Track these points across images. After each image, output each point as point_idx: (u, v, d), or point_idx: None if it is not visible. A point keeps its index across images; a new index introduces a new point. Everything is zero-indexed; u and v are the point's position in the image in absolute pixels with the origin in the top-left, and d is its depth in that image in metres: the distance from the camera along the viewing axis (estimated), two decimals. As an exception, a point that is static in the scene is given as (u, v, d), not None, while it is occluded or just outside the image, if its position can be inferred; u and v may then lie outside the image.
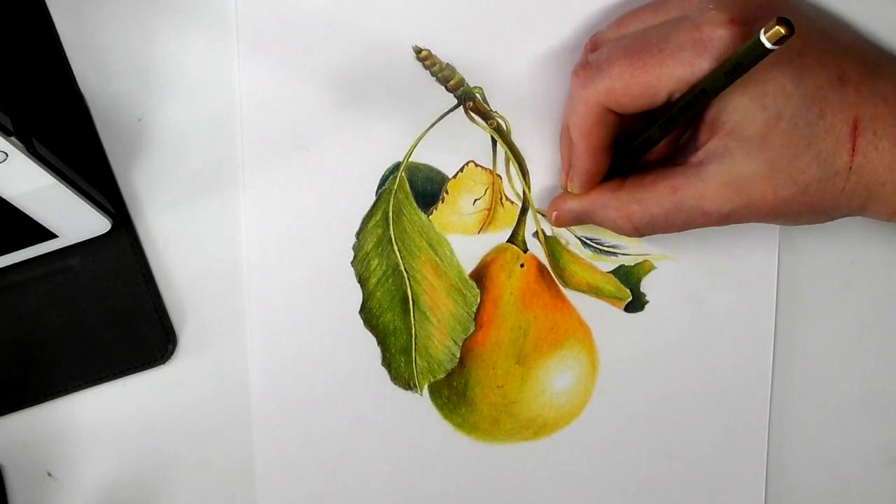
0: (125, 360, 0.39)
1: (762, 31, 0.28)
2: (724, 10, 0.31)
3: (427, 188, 0.39)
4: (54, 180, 0.33)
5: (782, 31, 0.27)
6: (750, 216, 0.33)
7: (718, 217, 0.33)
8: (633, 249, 0.40)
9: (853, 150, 0.32)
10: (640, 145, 0.35)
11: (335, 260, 0.39)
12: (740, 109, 0.32)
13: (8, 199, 0.33)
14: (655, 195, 0.34)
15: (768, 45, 0.28)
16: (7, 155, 0.31)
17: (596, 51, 0.35)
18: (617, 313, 0.40)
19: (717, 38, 0.31)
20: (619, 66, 0.32)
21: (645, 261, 0.40)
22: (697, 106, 0.32)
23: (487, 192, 0.39)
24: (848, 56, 0.33)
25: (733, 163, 0.32)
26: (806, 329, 0.41)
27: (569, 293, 0.40)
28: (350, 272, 0.39)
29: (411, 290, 0.39)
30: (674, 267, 0.40)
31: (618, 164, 0.36)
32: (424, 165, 0.39)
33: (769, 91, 0.31)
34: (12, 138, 0.31)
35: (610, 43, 0.35)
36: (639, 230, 0.35)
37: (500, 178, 0.39)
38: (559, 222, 0.38)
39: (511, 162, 0.39)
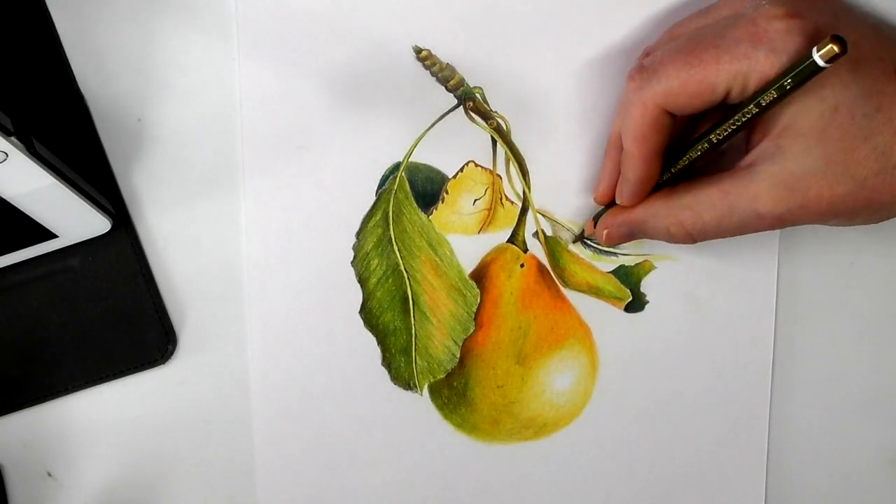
0: (125, 360, 0.39)
1: (815, 49, 0.28)
2: (778, 5, 0.31)
3: (427, 188, 0.39)
4: (54, 180, 0.33)
5: (836, 49, 0.28)
6: (805, 216, 0.32)
7: (772, 219, 0.33)
8: (633, 249, 0.40)
9: None
10: (692, 156, 0.34)
11: (335, 260, 0.39)
12: (795, 102, 0.31)
13: (8, 199, 0.33)
14: (707, 200, 0.33)
15: (821, 63, 0.28)
16: (7, 155, 0.31)
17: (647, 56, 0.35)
18: (617, 313, 0.40)
19: (773, 31, 0.31)
20: (675, 66, 0.32)
21: (645, 261, 0.40)
22: (748, 121, 0.32)
23: (487, 192, 0.39)
24: None
25: (786, 161, 0.32)
26: (806, 329, 0.41)
27: (569, 293, 0.40)
28: (350, 272, 0.39)
29: (411, 290, 0.39)
30: (674, 267, 0.40)
31: (665, 174, 0.36)
32: (424, 165, 0.39)
33: (827, 82, 0.31)
34: (12, 138, 0.31)
35: (662, 47, 0.34)
36: (692, 237, 0.34)
37: (500, 178, 0.39)
38: (611, 241, 0.37)
39: (511, 162, 0.39)
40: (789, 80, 0.30)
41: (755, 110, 0.31)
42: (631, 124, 0.33)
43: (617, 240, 0.37)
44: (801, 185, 0.32)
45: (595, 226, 0.38)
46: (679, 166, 0.35)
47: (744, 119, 0.32)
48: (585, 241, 0.40)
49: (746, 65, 0.31)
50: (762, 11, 0.31)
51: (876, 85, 0.31)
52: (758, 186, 0.32)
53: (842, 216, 0.33)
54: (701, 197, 0.34)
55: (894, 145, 0.31)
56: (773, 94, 0.30)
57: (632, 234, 0.37)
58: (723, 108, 0.33)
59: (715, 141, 0.33)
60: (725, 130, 0.32)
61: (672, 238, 0.35)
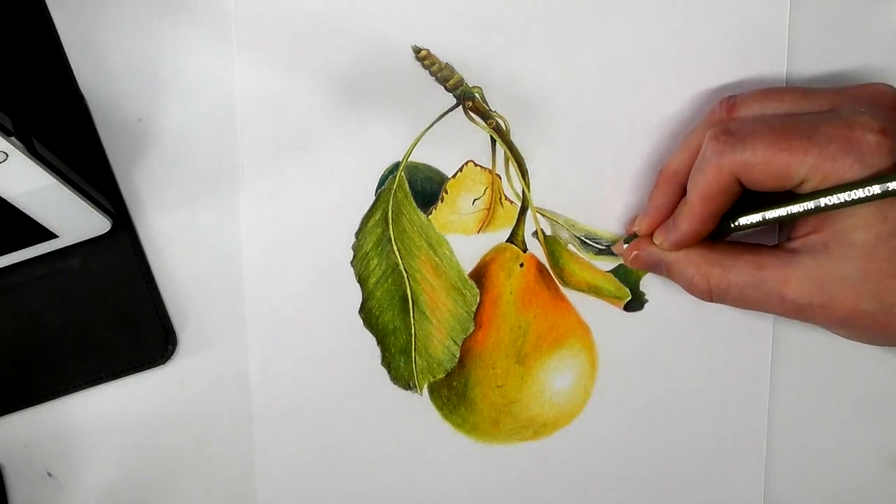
0: (125, 360, 0.39)
1: None
2: (876, 119, 0.32)
3: (426, 188, 0.39)
4: (54, 180, 0.33)
5: None
6: (822, 317, 0.33)
7: (793, 307, 0.33)
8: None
9: None
10: (744, 225, 0.35)
11: (335, 260, 0.39)
12: (859, 215, 0.32)
13: (8, 199, 0.33)
14: (741, 265, 0.34)
15: None
16: (7, 155, 0.31)
17: (731, 114, 0.35)
18: (616, 313, 0.40)
19: (865, 143, 0.31)
20: (763, 142, 0.32)
21: (644, 260, 0.40)
22: (807, 213, 0.32)
23: (487, 191, 0.39)
24: None
25: (828, 261, 0.32)
26: (805, 329, 0.41)
27: (568, 293, 0.40)
28: (349, 272, 0.39)
29: (411, 289, 0.39)
30: (673, 266, 0.40)
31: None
32: (424, 165, 0.39)
33: (895, 205, 0.31)
34: (12, 138, 0.31)
35: (751, 110, 0.35)
36: (712, 294, 0.35)
37: (500, 178, 0.39)
38: (636, 264, 0.38)
39: (510, 161, 0.39)
40: (867, 195, 0.30)
41: (819, 207, 0.32)
42: (702, 181, 0.34)
43: (642, 266, 0.38)
44: (832, 287, 0.32)
45: (624, 245, 0.38)
46: (730, 231, 0.35)
47: (804, 212, 0.32)
48: (585, 240, 0.40)
49: (831, 166, 0.31)
50: (859, 119, 0.32)
51: None
52: (793, 272, 0.33)
53: (856, 329, 0.33)
54: (737, 261, 0.34)
55: None
56: (845, 200, 0.31)
57: (657, 268, 0.37)
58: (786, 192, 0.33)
59: (769, 219, 0.34)
60: (784, 216, 0.33)
61: (692, 287, 0.36)
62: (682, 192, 0.36)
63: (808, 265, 0.33)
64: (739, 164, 0.32)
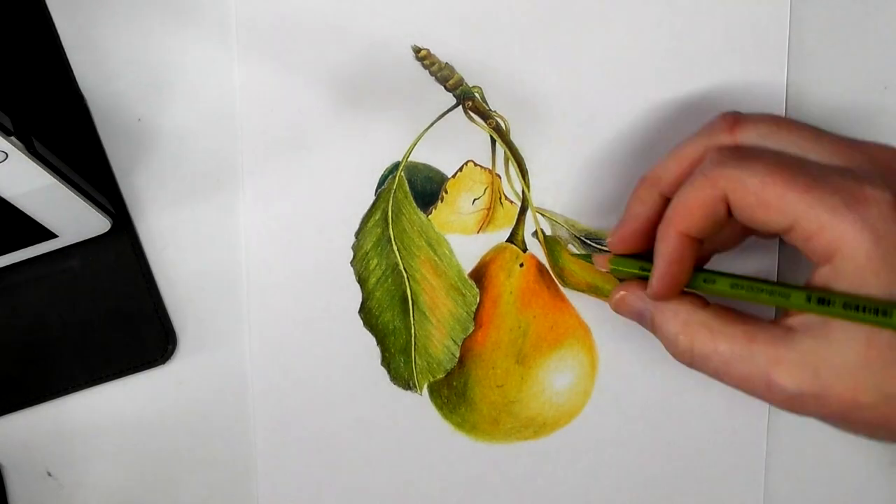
0: (125, 360, 0.39)
1: None
2: (888, 191, 0.28)
3: (426, 188, 0.39)
4: (54, 180, 0.33)
5: None
6: (813, 409, 0.29)
7: (780, 394, 0.30)
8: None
9: None
10: (735, 293, 0.32)
11: (334, 260, 0.39)
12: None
13: (8, 199, 0.33)
14: (730, 332, 0.31)
15: None
16: (7, 155, 0.31)
17: (734, 130, 0.32)
18: (616, 313, 0.40)
19: (873, 206, 0.28)
20: (765, 166, 0.29)
21: (644, 260, 0.40)
22: (800, 307, 0.30)
23: (487, 191, 0.39)
24: None
25: (826, 345, 0.29)
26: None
27: (568, 293, 0.40)
28: (349, 272, 0.39)
29: (411, 289, 0.39)
30: (673, 266, 0.40)
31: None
32: (424, 165, 0.39)
33: None
34: (12, 138, 0.31)
35: (756, 132, 0.32)
36: (693, 358, 0.32)
37: (500, 178, 0.39)
38: (621, 308, 0.35)
39: (510, 161, 0.39)
40: (862, 317, 0.28)
41: (814, 308, 0.29)
42: (690, 191, 0.31)
43: (627, 313, 0.35)
44: (828, 376, 0.29)
45: (606, 260, 0.36)
46: (714, 291, 0.33)
47: (798, 306, 0.30)
48: (585, 240, 0.40)
49: (827, 217, 0.28)
50: (874, 182, 0.28)
51: None
52: (786, 352, 0.29)
53: (853, 425, 0.30)
54: (728, 327, 0.31)
55: None
56: (838, 313, 0.28)
57: (641, 318, 0.34)
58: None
59: (744, 286, 0.32)
60: (775, 299, 0.31)
61: (674, 347, 0.32)
62: (663, 204, 0.33)
63: (804, 347, 0.29)
64: (734, 180, 0.30)
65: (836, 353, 0.29)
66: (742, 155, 0.30)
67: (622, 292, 0.35)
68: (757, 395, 0.30)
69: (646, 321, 0.34)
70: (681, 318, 0.32)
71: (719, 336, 0.31)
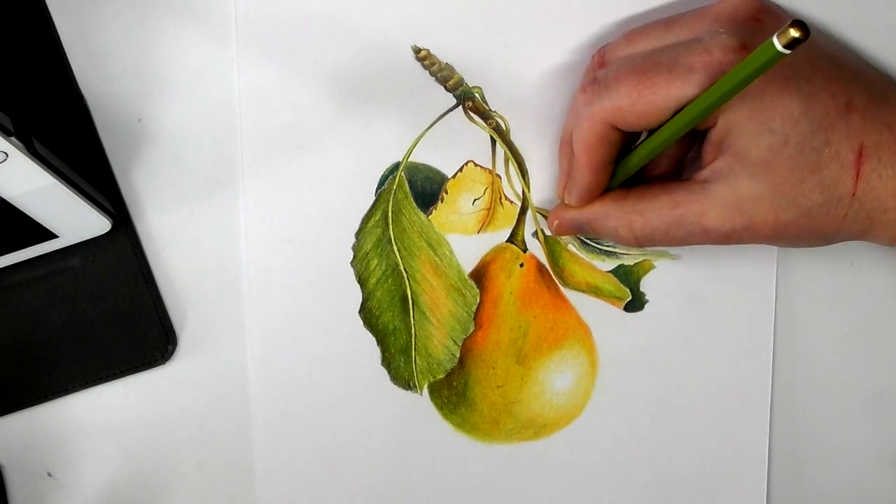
0: (125, 360, 0.39)
1: (775, 34, 0.27)
2: (734, 36, 0.31)
3: (426, 188, 0.39)
4: (54, 180, 0.33)
5: (796, 34, 0.26)
6: (750, 237, 0.34)
7: (718, 235, 0.34)
8: (632, 249, 0.40)
9: (857, 177, 0.32)
10: (639, 162, 0.35)
11: (335, 260, 0.39)
12: (747, 133, 0.32)
13: (8, 199, 0.33)
14: (658, 208, 0.34)
15: (780, 48, 0.27)
16: (7, 155, 0.31)
17: (603, 65, 0.35)
18: (616, 313, 0.40)
19: (727, 63, 0.31)
20: (627, 85, 0.32)
21: (644, 260, 0.40)
22: (701, 118, 0.31)
23: (487, 191, 0.39)
24: (856, 83, 0.33)
25: (737, 184, 0.33)
26: (806, 329, 0.41)
27: (568, 293, 0.40)
28: (349, 272, 0.39)
29: (411, 289, 0.39)
30: (673, 266, 0.40)
31: (619, 175, 0.36)
32: (424, 165, 0.39)
33: (777, 116, 0.31)
34: (12, 138, 0.31)
35: (618, 59, 0.35)
36: (639, 241, 0.35)
37: (500, 178, 0.39)
38: (560, 231, 0.38)
39: (510, 161, 0.39)
40: (747, 69, 0.29)
41: (705, 105, 0.31)
42: (580, 135, 0.34)
43: (565, 232, 0.38)
44: (749, 209, 0.33)
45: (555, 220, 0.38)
46: (629, 172, 0.35)
47: (692, 116, 0.31)
48: (585, 240, 0.40)
49: (696, 93, 0.31)
50: (717, 41, 0.31)
51: (826, 119, 0.32)
52: (709, 203, 0.33)
53: (785, 240, 0.34)
54: (653, 204, 0.34)
55: (839, 179, 0.32)
56: (728, 85, 0.30)
57: (580, 230, 0.37)
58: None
59: (656, 145, 0.33)
60: (673, 127, 0.32)
61: (619, 239, 0.36)
62: None
63: (721, 192, 0.33)
64: (608, 111, 0.32)
65: (748, 188, 0.32)
66: (604, 85, 0.33)
67: (556, 221, 0.38)
68: (701, 243, 0.34)
69: (585, 230, 0.37)
70: (611, 214, 0.35)
71: (649, 215, 0.34)
